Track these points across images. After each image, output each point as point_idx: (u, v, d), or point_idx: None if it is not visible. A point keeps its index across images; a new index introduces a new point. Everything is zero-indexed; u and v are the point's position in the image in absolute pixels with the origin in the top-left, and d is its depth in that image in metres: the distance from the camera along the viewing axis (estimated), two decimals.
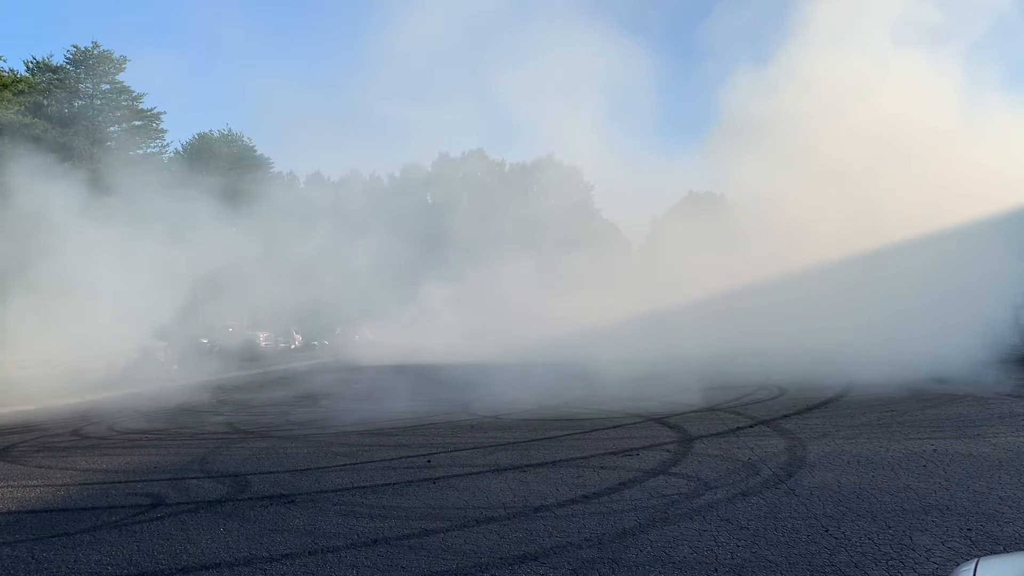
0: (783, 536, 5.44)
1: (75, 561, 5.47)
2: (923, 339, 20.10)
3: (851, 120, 28.37)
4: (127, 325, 25.19)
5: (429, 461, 8.85)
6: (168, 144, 42.21)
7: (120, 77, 37.58)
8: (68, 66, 36.22)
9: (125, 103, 37.93)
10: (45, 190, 22.53)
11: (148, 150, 38.97)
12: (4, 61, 41.05)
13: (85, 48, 36.32)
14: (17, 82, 31.86)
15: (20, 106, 29.41)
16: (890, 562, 4.83)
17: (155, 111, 39.16)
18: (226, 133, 46.75)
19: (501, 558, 5.21)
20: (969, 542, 5.15)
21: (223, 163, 37.88)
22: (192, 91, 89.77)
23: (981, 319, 23.57)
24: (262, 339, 39.19)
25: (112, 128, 37.62)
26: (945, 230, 24.80)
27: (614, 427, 11.03)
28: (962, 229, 24.61)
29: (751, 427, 10.43)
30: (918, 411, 11.38)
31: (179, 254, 23.50)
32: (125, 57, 37.71)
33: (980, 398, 12.52)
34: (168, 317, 26.12)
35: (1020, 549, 5.05)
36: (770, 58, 35.46)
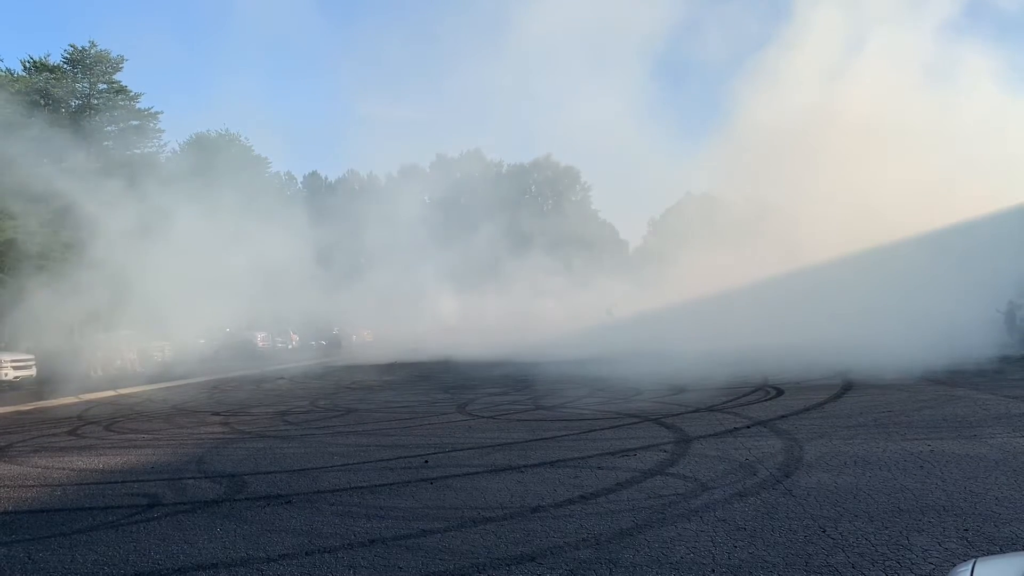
0: (780, 537, 5.44)
1: (72, 561, 5.46)
2: (920, 340, 20.13)
3: (850, 121, 28.41)
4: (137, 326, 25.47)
5: (427, 461, 8.84)
6: (165, 144, 42.08)
7: (117, 77, 37.55)
8: (65, 66, 36.14)
9: (122, 103, 37.84)
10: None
11: (145, 150, 38.83)
12: (1, 61, 41.04)
13: (82, 48, 36.28)
14: (14, 82, 31.78)
15: (17, 106, 29.32)
16: (887, 563, 4.83)
17: (152, 111, 39.10)
18: (223, 133, 46.71)
19: (498, 558, 5.21)
20: (966, 543, 5.15)
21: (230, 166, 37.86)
22: (189, 92, 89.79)
23: (978, 319, 23.62)
24: (259, 339, 39.17)
25: (109, 128, 37.53)
26: (943, 231, 24.84)
27: (612, 427, 11.02)
28: (959, 230, 24.66)
29: (748, 427, 10.43)
30: (915, 412, 11.39)
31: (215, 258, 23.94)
32: (122, 57, 37.69)
33: (977, 398, 12.53)
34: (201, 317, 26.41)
35: (1017, 549, 5.06)
36: (768, 59, 35.50)
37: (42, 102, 33.00)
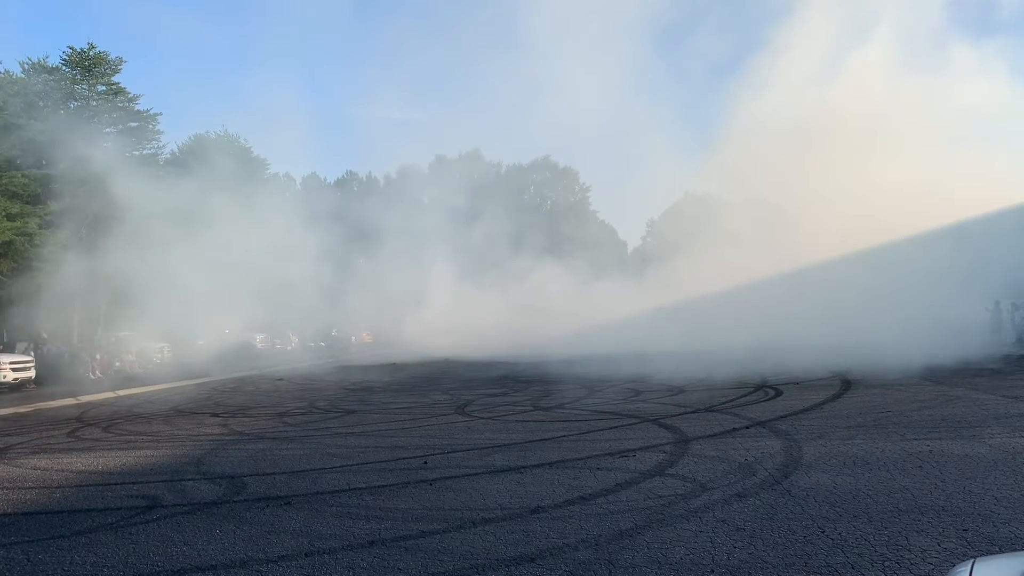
0: (779, 537, 5.44)
1: (71, 563, 5.46)
2: (919, 339, 20.14)
3: (849, 121, 28.42)
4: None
5: (426, 463, 8.84)
6: (164, 146, 41.93)
7: (116, 79, 37.47)
8: (64, 68, 36.07)
9: (121, 104, 37.74)
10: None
11: (144, 151, 38.75)
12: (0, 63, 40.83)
13: (81, 50, 36.19)
14: (12, 83, 31.75)
15: (15, 108, 29.35)
16: (886, 563, 4.83)
17: (151, 112, 39.01)
18: (222, 134, 46.58)
19: (498, 559, 5.21)
20: (965, 543, 5.16)
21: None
22: (188, 93, 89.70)
23: (975, 319, 23.63)
24: (259, 341, 39.16)
25: (108, 130, 37.46)
26: (941, 231, 24.86)
27: (611, 428, 11.03)
28: (957, 230, 24.68)
29: (747, 428, 10.44)
30: (914, 412, 11.40)
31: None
32: (121, 58, 37.60)
33: (976, 398, 12.54)
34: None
35: (1016, 549, 5.06)
36: (766, 59, 35.54)
37: (40, 103, 32.94)
